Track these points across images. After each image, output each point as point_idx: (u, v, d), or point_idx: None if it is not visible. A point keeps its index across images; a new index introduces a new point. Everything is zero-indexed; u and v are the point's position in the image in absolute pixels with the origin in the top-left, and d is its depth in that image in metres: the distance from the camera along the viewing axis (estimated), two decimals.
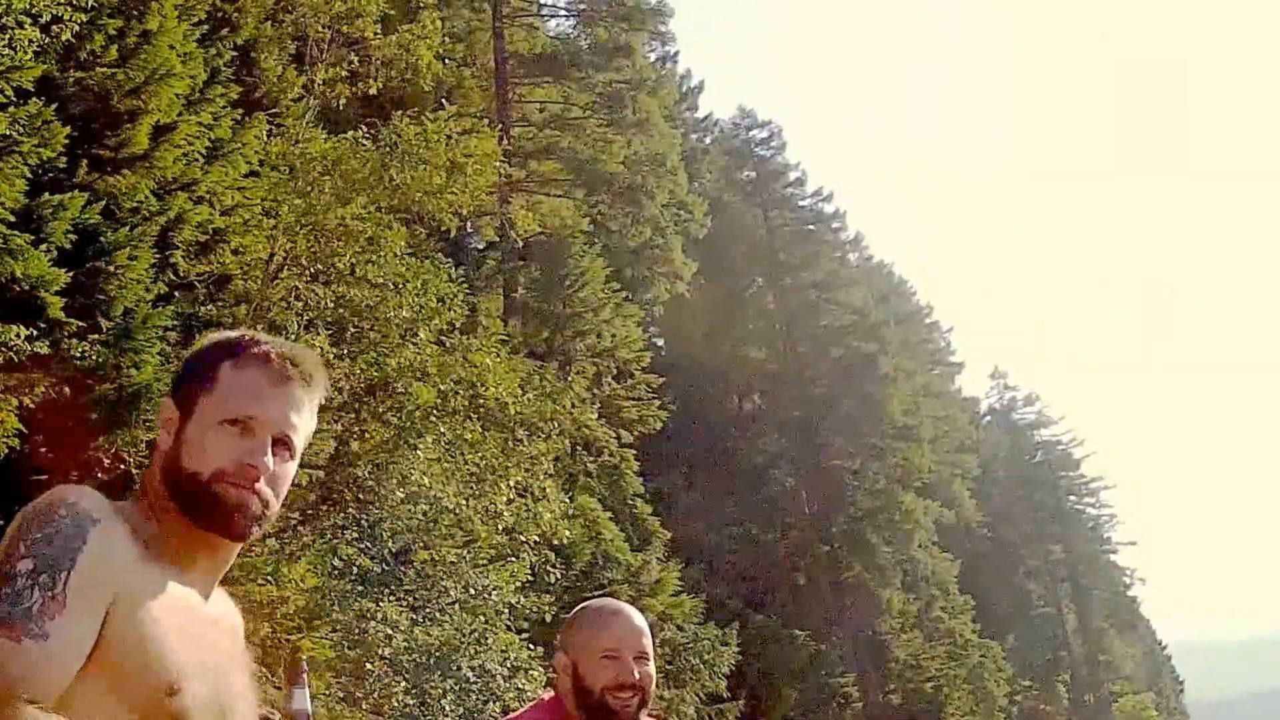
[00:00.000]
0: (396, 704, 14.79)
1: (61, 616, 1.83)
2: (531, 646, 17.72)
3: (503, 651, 16.72)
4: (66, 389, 11.20)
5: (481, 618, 16.44)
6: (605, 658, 3.04)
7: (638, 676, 3.04)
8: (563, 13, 40.16)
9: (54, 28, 11.75)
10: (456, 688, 15.64)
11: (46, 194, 11.69)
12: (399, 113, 16.24)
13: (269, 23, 17.29)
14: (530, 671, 17.11)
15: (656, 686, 3.14)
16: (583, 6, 39.35)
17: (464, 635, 15.90)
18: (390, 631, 14.87)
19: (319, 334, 15.28)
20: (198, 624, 2.06)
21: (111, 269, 12.25)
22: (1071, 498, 79.21)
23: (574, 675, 3.07)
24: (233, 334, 2.22)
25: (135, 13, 13.29)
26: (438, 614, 15.64)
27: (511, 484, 17.08)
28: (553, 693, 3.21)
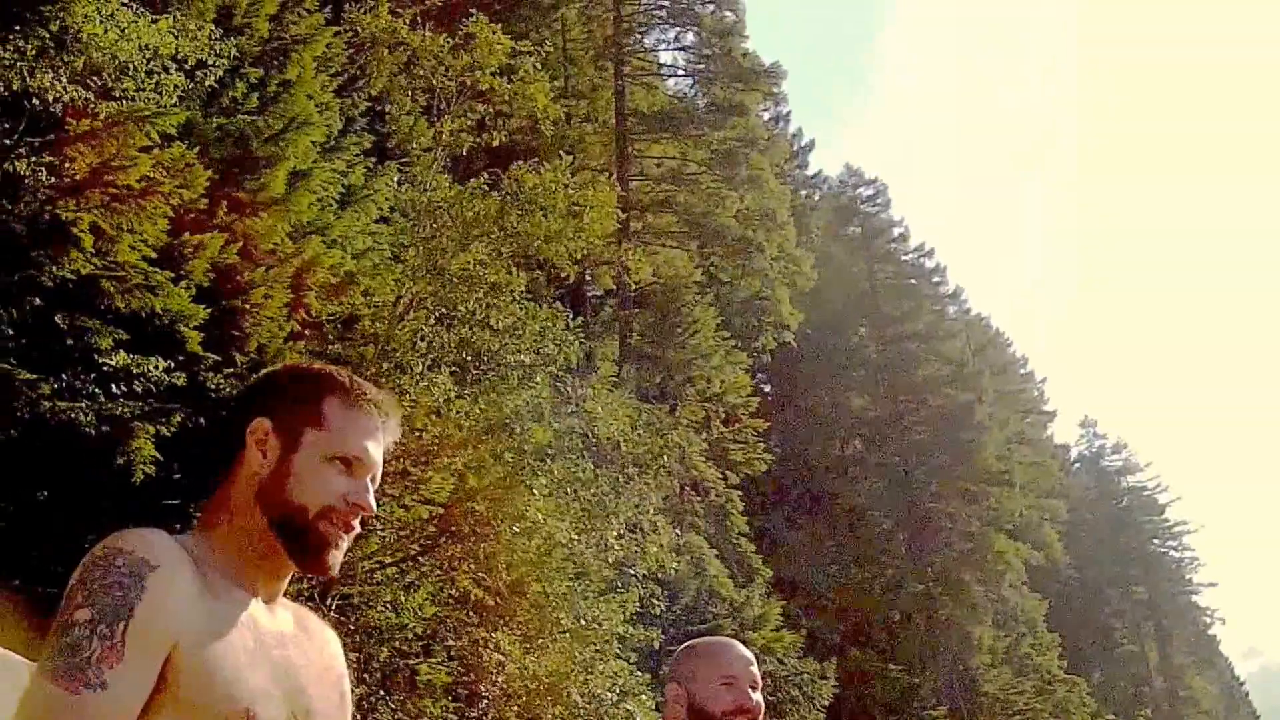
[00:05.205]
0: None
1: (119, 665, 1.77)
2: (639, 674, 17.31)
3: (611, 678, 16.32)
4: (201, 420, 11.00)
5: (592, 646, 16.06)
6: (724, 684, 2.98)
7: (756, 701, 2.97)
8: (681, 73, 40.28)
9: (198, 74, 11.61)
10: (566, 714, 15.26)
11: (187, 234, 11.59)
12: (518, 162, 16.03)
13: (400, 75, 17.20)
14: (640, 696, 16.71)
15: None
16: (700, 67, 39.40)
17: (574, 662, 15.54)
18: (503, 658, 14.60)
19: (442, 373, 15.05)
20: (269, 646, 1.98)
21: (247, 307, 12.13)
22: (1155, 541, 78.93)
23: (690, 703, 3.00)
24: (322, 368, 2.16)
25: (276, 63, 13.27)
26: (550, 643, 15.30)
27: (621, 520, 16.81)
28: None
